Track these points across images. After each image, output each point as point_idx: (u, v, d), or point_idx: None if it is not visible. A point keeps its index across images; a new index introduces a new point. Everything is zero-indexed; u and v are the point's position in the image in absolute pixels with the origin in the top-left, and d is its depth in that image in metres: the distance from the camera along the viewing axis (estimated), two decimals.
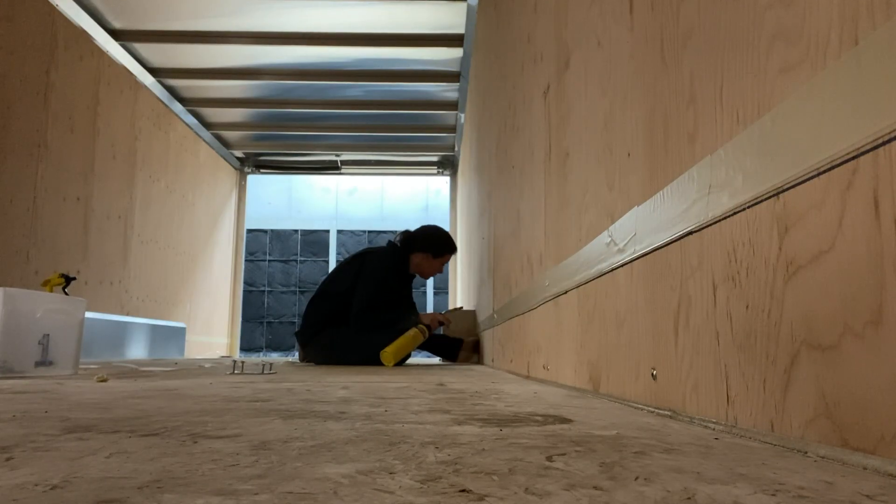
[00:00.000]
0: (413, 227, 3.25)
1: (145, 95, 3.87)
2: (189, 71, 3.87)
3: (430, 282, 7.28)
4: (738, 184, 0.53)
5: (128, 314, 3.62)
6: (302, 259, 7.76)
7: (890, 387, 0.37)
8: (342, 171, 5.58)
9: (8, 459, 0.39)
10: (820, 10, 0.44)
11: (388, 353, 2.62)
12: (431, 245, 3.13)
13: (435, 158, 5.55)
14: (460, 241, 5.11)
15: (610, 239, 0.89)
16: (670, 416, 0.67)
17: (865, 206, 0.39)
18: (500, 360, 2.20)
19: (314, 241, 7.86)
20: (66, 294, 1.59)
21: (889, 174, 0.37)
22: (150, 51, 3.63)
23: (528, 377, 1.57)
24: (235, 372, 1.81)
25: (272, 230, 7.45)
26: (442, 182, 7.21)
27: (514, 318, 1.84)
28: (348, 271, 3.06)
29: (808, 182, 0.45)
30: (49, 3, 2.85)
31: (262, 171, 5.67)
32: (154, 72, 3.84)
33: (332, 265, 7.53)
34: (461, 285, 4.93)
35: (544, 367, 1.37)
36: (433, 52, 3.59)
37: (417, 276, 3.29)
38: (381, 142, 5.13)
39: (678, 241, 0.67)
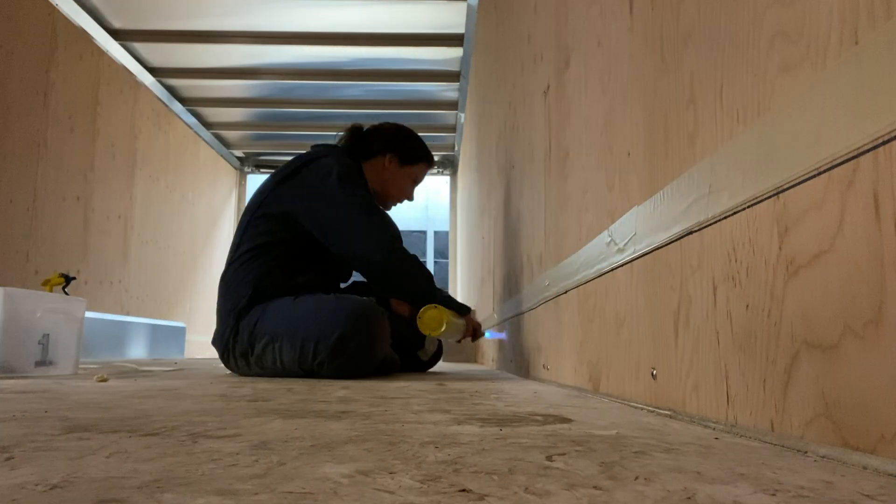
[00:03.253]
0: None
1: (145, 95, 3.87)
2: (189, 71, 3.86)
3: None
4: (738, 184, 0.53)
5: (128, 314, 3.62)
6: None
7: (890, 386, 0.37)
8: None
9: (8, 459, 0.39)
10: (820, 10, 0.44)
11: (435, 315, 1.59)
12: (397, 144, 1.92)
13: (435, 158, 5.54)
14: (460, 241, 5.11)
15: (610, 239, 0.89)
16: (670, 416, 0.67)
17: (865, 206, 0.39)
18: (500, 359, 2.19)
19: None
20: (66, 294, 1.59)
21: (889, 174, 0.37)
22: (149, 50, 3.63)
23: (527, 377, 1.57)
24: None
25: None
26: (442, 182, 7.21)
27: (513, 317, 1.84)
28: (279, 201, 1.70)
29: (808, 182, 0.45)
30: (49, 2, 2.85)
31: (262, 170, 5.67)
32: (154, 71, 3.84)
33: None
34: (461, 285, 4.92)
35: (544, 367, 1.37)
36: (433, 52, 3.59)
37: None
38: None
39: (678, 241, 0.67)
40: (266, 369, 1.57)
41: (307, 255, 1.68)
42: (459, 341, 1.82)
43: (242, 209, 6.11)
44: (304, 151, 1.85)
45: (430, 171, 2.12)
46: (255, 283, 1.63)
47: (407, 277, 1.65)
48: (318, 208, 1.65)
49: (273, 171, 1.82)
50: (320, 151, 1.80)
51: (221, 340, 1.65)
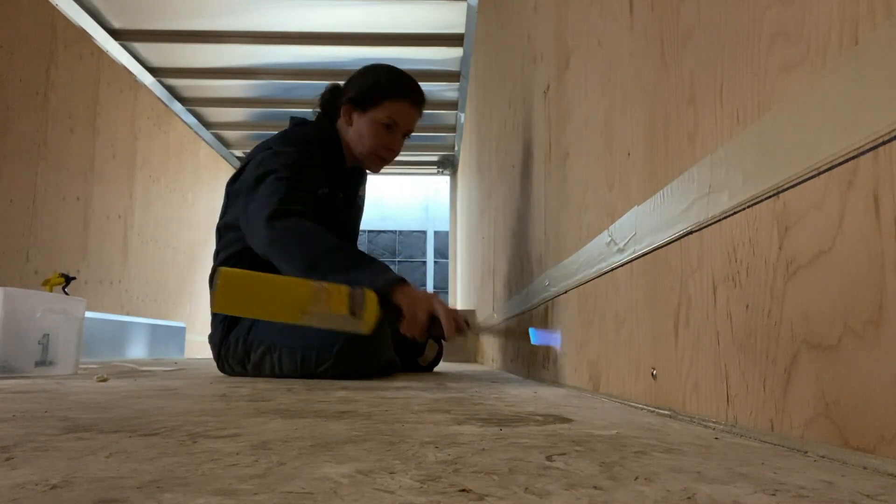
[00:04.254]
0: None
1: (145, 95, 3.87)
2: (189, 71, 3.87)
3: (429, 282, 7.04)
4: (738, 184, 0.53)
5: (128, 314, 3.62)
6: None
7: (890, 386, 0.37)
8: None
9: (8, 459, 0.39)
10: (820, 10, 0.44)
11: (227, 277, 1.25)
12: (352, 89, 1.64)
13: (435, 158, 5.55)
14: (460, 241, 5.11)
15: (610, 239, 0.89)
16: (670, 416, 0.67)
17: (865, 206, 0.39)
18: (501, 359, 2.20)
19: None
20: (66, 294, 1.59)
21: (889, 174, 0.37)
22: (149, 50, 3.63)
23: (528, 377, 1.57)
24: None
25: None
26: (442, 182, 7.21)
27: (513, 317, 1.84)
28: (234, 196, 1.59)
29: (808, 182, 0.45)
30: (49, 2, 2.85)
31: None
32: (154, 71, 3.84)
33: None
34: (461, 285, 4.93)
35: (544, 367, 1.37)
36: (433, 52, 3.59)
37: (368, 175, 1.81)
38: None
39: (678, 241, 0.67)
40: (262, 374, 1.53)
41: None
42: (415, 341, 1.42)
43: None
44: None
45: (415, 110, 1.69)
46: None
47: (291, 253, 1.32)
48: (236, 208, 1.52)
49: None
50: (267, 141, 1.62)
51: (214, 345, 1.62)
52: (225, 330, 1.58)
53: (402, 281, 1.32)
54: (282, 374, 1.50)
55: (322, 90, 1.80)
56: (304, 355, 1.45)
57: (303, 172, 1.49)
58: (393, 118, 1.63)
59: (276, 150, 1.54)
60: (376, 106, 1.61)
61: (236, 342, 1.54)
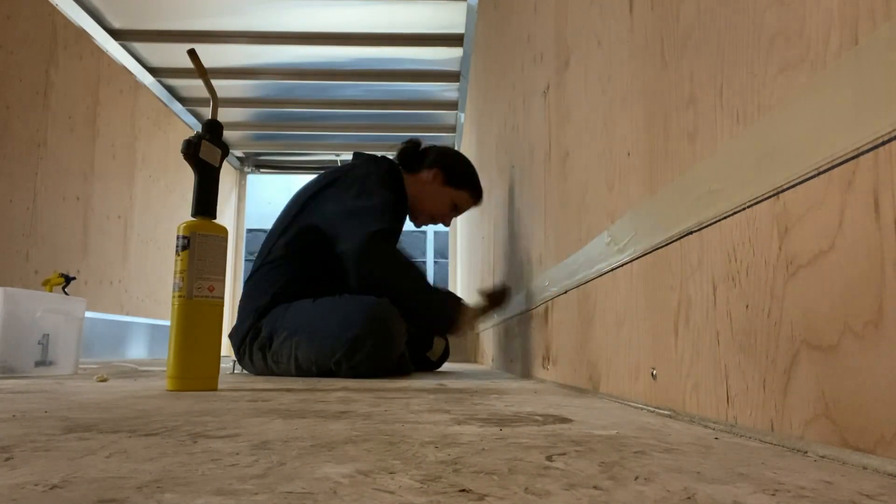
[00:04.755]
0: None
1: (145, 95, 3.87)
2: (189, 71, 3.86)
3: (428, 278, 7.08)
4: (738, 184, 0.53)
5: (128, 314, 3.62)
6: None
7: (890, 386, 0.37)
8: None
9: (8, 459, 0.39)
10: (820, 10, 0.44)
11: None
12: (447, 163, 1.93)
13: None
14: (460, 241, 5.11)
15: (610, 239, 0.89)
16: (670, 416, 0.67)
17: (865, 206, 0.39)
18: (500, 359, 2.19)
19: None
20: (66, 294, 1.59)
21: (889, 174, 0.37)
22: (149, 50, 3.63)
23: (527, 377, 1.57)
24: (235, 371, 1.81)
25: None
26: None
27: (513, 317, 1.84)
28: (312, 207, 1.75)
29: (808, 182, 0.45)
30: (49, 2, 2.85)
31: (262, 170, 5.67)
32: (154, 71, 3.84)
33: None
34: (461, 285, 4.92)
35: (544, 367, 1.37)
36: (433, 52, 3.59)
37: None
38: (381, 141, 5.13)
39: (678, 241, 0.67)
40: (280, 365, 1.62)
41: (335, 267, 1.69)
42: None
43: (242, 209, 6.06)
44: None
45: (473, 207, 2.04)
46: (283, 285, 1.70)
47: (384, 274, 1.61)
48: (332, 213, 1.71)
49: (319, 174, 1.90)
50: (357, 162, 1.86)
51: (239, 335, 1.71)
52: (257, 317, 1.68)
53: (460, 311, 1.70)
54: (297, 365, 1.59)
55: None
56: (321, 343, 1.54)
57: (398, 220, 1.80)
58: (461, 205, 1.99)
59: (364, 175, 1.75)
60: (458, 188, 1.95)
61: (264, 329, 1.65)
